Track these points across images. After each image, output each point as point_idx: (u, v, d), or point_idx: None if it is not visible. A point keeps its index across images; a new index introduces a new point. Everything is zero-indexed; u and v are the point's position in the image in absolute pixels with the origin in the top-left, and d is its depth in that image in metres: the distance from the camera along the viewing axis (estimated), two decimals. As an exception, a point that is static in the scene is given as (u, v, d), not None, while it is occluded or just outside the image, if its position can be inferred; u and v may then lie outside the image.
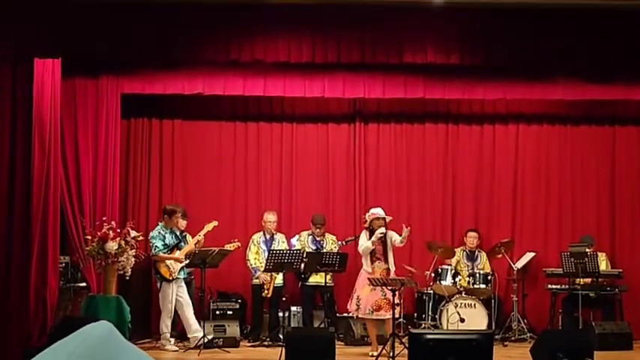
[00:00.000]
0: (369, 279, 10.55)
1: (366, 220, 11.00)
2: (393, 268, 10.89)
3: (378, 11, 11.05)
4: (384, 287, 10.36)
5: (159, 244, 11.33)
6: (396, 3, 10.93)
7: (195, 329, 11.24)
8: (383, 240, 10.83)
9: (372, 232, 10.84)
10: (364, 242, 10.89)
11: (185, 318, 11.35)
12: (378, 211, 10.97)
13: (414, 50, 11.24)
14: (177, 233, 11.54)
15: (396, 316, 10.47)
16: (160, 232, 11.43)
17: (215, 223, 11.54)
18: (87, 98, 11.39)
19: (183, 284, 11.36)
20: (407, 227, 10.61)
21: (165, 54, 11.15)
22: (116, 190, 11.54)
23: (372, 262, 10.85)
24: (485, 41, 11.22)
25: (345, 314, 12.14)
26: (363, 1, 10.92)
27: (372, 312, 10.62)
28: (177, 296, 11.27)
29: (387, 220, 10.94)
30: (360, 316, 10.84)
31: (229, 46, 11.18)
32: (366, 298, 10.65)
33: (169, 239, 11.39)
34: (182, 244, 11.46)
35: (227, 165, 12.99)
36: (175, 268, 11.21)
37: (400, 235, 10.74)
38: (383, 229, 10.81)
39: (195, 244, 11.30)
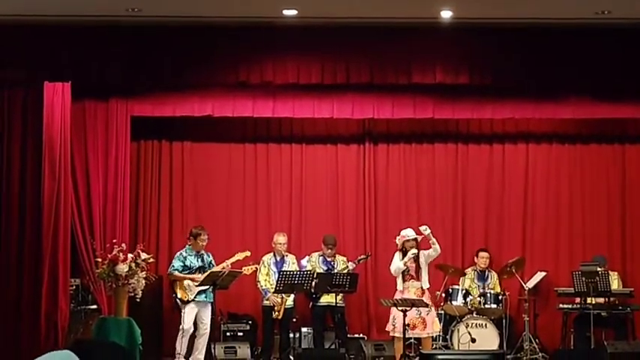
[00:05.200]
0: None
1: (397, 244, 11.08)
2: (427, 286, 10.94)
3: (387, 32, 11.08)
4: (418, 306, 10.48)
5: (176, 264, 11.30)
6: (404, 24, 10.96)
7: (197, 358, 11.21)
8: (416, 259, 10.90)
9: (404, 254, 10.93)
10: (396, 262, 10.95)
11: (197, 342, 11.29)
12: (408, 233, 11.07)
13: (423, 71, 11.27)
14: (206, 257, 11.46)
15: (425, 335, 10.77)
16: (182, 253, 11.40)
17: (248, 253, 11.48)
18: (97, 121, 11.45)
19: (208, 308, 11.27)
20: (423, 226, 10.88)
21: (175, 76, 11.20)
22: (126, 212, 11.57)
23: (405, 280, 10.91)
24: (494, 61, 11.26)
25: (356, 335, 12.15)
26: (372, 23, 10.95)
27: (407, 330, 10.58)
28: (200, 319, 11.23)
29: (419, 240, 11.02)
30: (396, 335, 10.78)
31: (238, 67, 11.25)
32: (401, 317, 10.64)
33: (191, 261, 11.31)
34: (207, 268, 11.34)
35: (237, 186, 13.00)
36: (192, 289, 11.15)
37: (428, 249, 10.93)
38: (415, 250, 10.89)
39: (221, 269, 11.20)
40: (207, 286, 10.95)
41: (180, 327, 11.18)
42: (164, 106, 11.71)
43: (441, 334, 11.63)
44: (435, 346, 11.65)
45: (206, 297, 11.22)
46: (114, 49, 11.05)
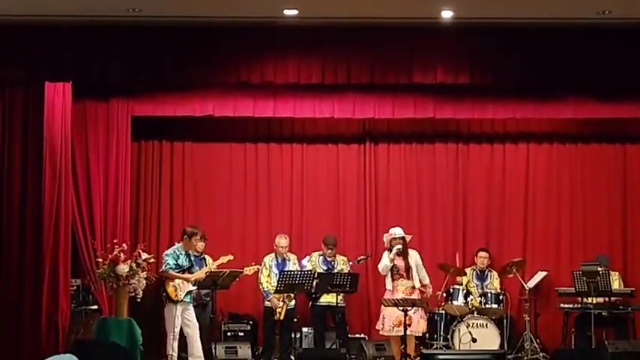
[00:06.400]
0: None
1: (385, 242, 11.19)
2: (418, 285, 11.00)
3: (388, 32, 11.08)
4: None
5: (171, 261, 11.14)
6: (405, 24, 10.96)
7: (197, 355, 11.15)
8: (405, 257, 10.97)
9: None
10: (384, 261, 11.05)
11: (190, 341, 11.18)
12: (396, 231, 11.14)
13: (424, 70, 11.28)
14: (193, 257, 11.37)
15: (408, 333, 10.62)
16: (174, 252, 11.30)
17: (230, 257, 11.37)
18: (98, 121, 11.46)
19: (191, 307, 11.22)
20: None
21: (176, 76, 11.20)
22: (127, 212, 11.56)
23: (394, 279, 10.99)
24: (495, 61, 11.27)
25: (357, 335, 12.14)
26: (373, 23, 10.95)
27: (393, 328, 10.71)
28: (185, 319, 11.15)
29: (408, 239, 11.13)
30: (385, 333, 10.96)
31: (239, 67, 11.25)
32: (390, 315, 10.73)
33: (182, 261, 11.22)
34: (194, 269, 11.27)
35: (238, 186, 12.98)
36: (182, 289, 11.08)
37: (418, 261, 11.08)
38: (400, 246, 10.95)
39: (206, 273, 11.11)
40: (208, 287, 10.94)
41: (171, 328, 11.03)
42: (165, 106, 11.72)
43: (436, 333, 11.66)
44: (436, 345, 11.67)
45: (191, 298, 11.12)
46: (115, 49, 11.06)
